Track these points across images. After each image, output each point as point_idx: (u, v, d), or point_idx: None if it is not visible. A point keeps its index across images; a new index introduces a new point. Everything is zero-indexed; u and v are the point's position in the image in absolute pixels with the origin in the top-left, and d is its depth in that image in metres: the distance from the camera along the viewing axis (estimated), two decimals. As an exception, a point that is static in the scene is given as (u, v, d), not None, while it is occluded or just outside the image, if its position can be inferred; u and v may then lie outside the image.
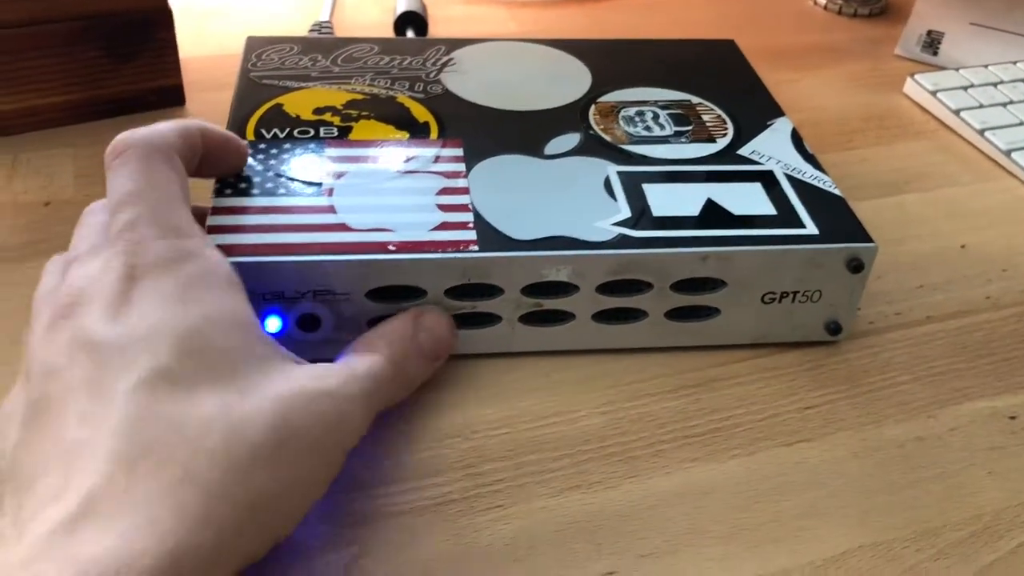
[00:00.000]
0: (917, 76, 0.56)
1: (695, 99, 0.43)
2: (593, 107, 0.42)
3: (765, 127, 0.42)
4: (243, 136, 0.38)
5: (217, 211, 0.34)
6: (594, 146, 0.39)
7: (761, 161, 0.39)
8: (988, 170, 0.50)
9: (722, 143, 0.40)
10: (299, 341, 0.34)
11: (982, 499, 0.32)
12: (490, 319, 0.35)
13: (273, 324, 0.34)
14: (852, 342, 0.38)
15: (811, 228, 0.36)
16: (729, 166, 0.39)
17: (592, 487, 0.32)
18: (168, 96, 0.49)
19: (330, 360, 0.33)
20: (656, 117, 0.42)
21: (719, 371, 0.36)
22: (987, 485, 0.33)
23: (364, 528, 0.30)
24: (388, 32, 0.57)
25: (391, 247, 0.33)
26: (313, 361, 0.29)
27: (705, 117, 0.42)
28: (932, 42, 0.61)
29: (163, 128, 0.31)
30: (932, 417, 0.35)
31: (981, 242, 0.45)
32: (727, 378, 0.36)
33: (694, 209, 0.36)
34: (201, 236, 0.29)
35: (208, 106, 0.50)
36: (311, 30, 0.54)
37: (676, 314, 0.36)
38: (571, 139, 0.40)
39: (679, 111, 0.42)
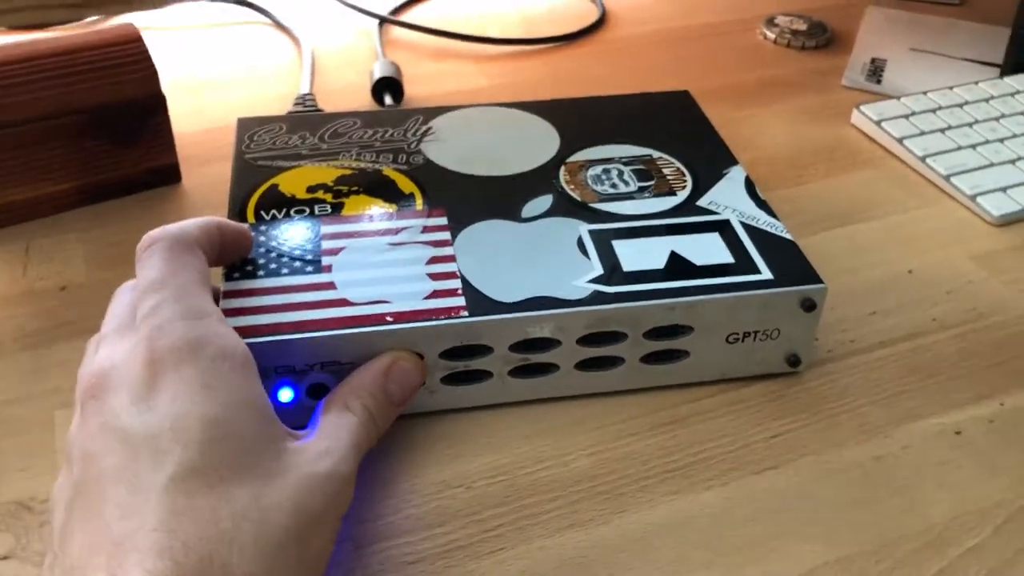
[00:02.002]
0: (862, 107, 0.60)
1: (656, 153, 0.47)
2: (563, 168, 0.46)
3: (720, 176, 0.46)
4: (245, 219, 0.41)
5: (229, 295, 0.37)
6: (566, 206, 0.43)
7: (718, 211, 0.43)
8: (931, 195, 0.54)
9: (682, 195, 0.44)
10: (308, 407, 0.37)
11: (933, 511, 0.36)
12: (482, 375, 0.38)
13: (285, 395, 0.37)
14: (812, 371, 0.42)
15: (766, 273, 0.39)
16: (689, 218, 0.43)
17: (585, 524, 0.35)
18: (166, 175, 0.52)
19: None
20: (621, 174, 0.45)
21: (692, 407, 0.40)
22: (938, 498, 0.37)
23: (382, 578, 0.33)
24: (366, 95, 0.61)
25: (389, 318, 0.37)
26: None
27: (666, 171, 0.46)
28: (876, 70, 0.66)
29: (186, 224, 0.35)
30: (888, 437, 0.39)
31: (927, 266, 0.49)
32: (700, 413, 0.40)
33: (660, 262, 0.40)
34: (219, 317, 0.33)
35: (204, 180, 0.53)
36: (296, 103, 0.58)
37: (650, 358, 0.39)
38: (545, 201, 0.43)
39: (641, 167, 0.46)
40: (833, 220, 0.52)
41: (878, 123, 0.59)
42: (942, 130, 0.58)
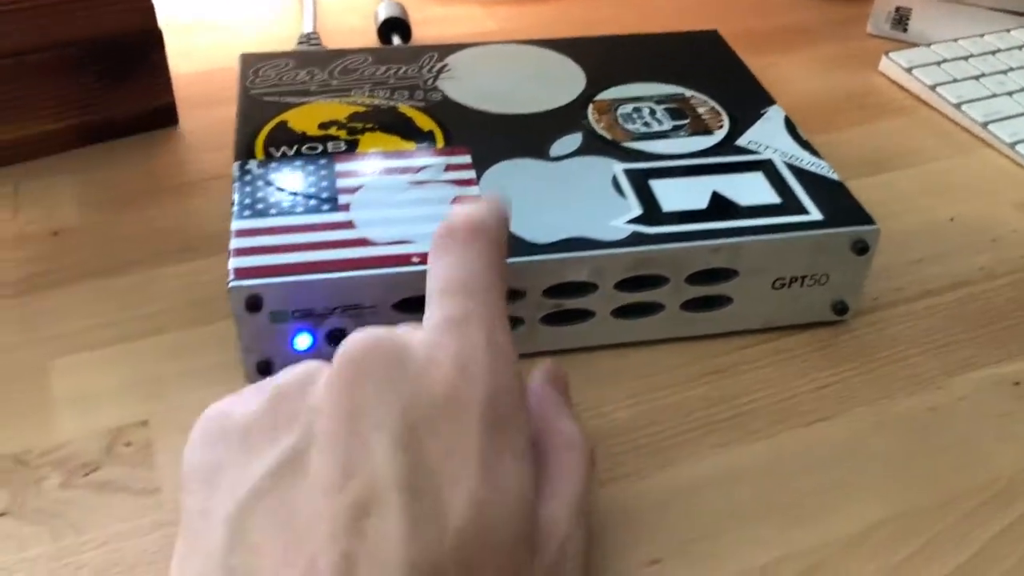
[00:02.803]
0: (892, 54, 0.57)
1: (688, 92, 0.44)
2: (591, 105, 0.43)
3: (759, 116, 0.43)
4: (253, 156, 0.38)
5: (240, 233, 0.34)
6: (597, 145, 0.40)
7: (759, 151, 0.40)
8: (967, 143, 0.52)
9: (719, 135, 0.41)
10: (327, 355, 0.35)
11: (995, 465, 0.34)
12: (513, 322, 0.36)
13: (303, 341, 0.34)
14: (858, 319, 0.40)
15: (815, 214, 0.37)
16: (729, 157, 0.40)
17: (628, 478, 0.33)
18: (162, 116, 0.49)
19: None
20: (653, 112, 0.43)
21: (735, 356, 0.38)
22: (998, 451, 0.34)
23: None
24: (372, 39, 0.58)
25: (414, 259, 0.34)
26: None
27: (700, 110, 0.43)
28: (901, 18, 0.63)
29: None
30: (941, 388, 0.37)
31: (968, 214, 0.46)
32: (744, 363, 0.37)
33: (702, 202, 0.37)
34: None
35: (202, 124, 0.50)
36: (300, 42, 0.54)
37: (691, 305, 0.37)
38: (574, 139, 0.41)
39: (675, 105, 0.43)
40: (867, 168, 0.49)
41: (909, 70, 0.56)
42: (976, 77, 0.55)
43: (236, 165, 0.38)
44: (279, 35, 0.58)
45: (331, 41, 0.57)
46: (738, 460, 0.34)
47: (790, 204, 0.37)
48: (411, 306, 0.34)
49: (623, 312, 0.37)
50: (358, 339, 0.25)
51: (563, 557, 0.24)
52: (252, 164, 0.38)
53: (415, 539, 0.21)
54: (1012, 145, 0.50)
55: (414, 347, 0.25)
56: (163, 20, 0.47)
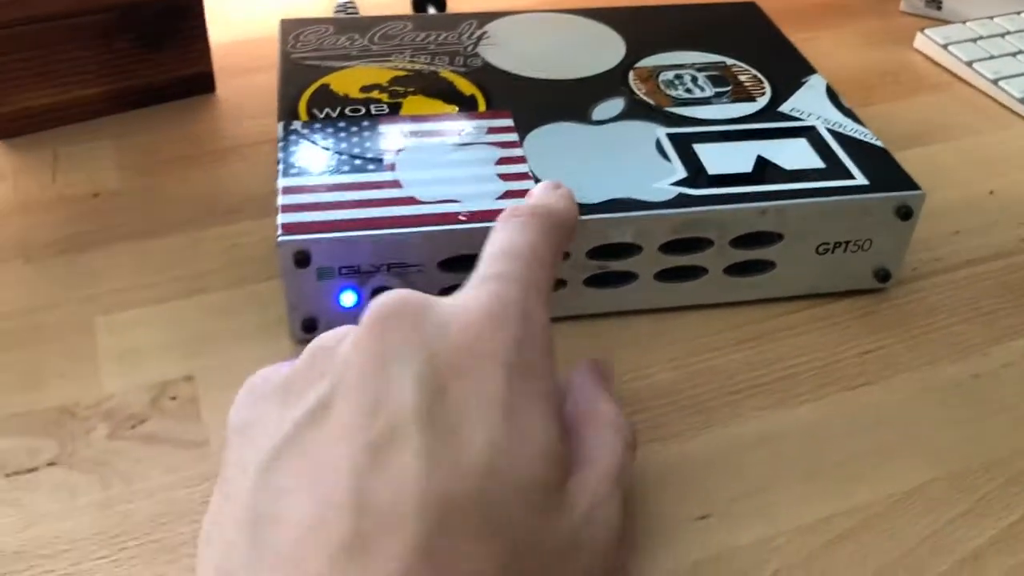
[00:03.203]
0: (927, 31, 0.57)
1: (729, 60, 0.44)
2: (632, 72, 0.43)
3: (800, 85, 0.43)
4: (297, 117, 0.39)
5: (288, 191, 0.34)
6: (639, 110, 0.40)
7: (802, 118, 0.40)
8: (1005, 118, 0.52)
9: (762, 102, 0.41)
10: (372, 314, 0.35)
11: (1042, 429, 0.34)
12: (556, 284, 0.36)
13: (348, 299, 0.34)
14: (899, 288, 0.39)
15: (860, 179, 0.37)
16: (772, 124, 0.40)
17: (674, 438, 0.33)
18: (199, 83, 0.49)
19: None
20: (695, 79, 0.43)
21: (777, 322, 0.38)
22: (1045, 416, 0.34)
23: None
24: (407, 9, 0.58)
25: (462, 217, 0.34)
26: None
27: (742, 78, 0.43)
28: (935, -3, 0.63)
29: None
30: (985, 355, 0.37)
31: (1008, 187, 0.46)
32: (786, 328, 0.37)
33: (746, 166, 0.37)
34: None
35: (239, 92, 0.50)
36: (337, 10, 0.54)
37: (734, 269, 0.37)
38: (616, 104, 0.41)
39: (716, 73, 0.43)
40: (905, 141, 0.49)
41: (944, 46, 0.56)
42: (1013, 54, 0.55)
43: (280, 125, 0.38)
44: (315, 4, 0.58)
45: (367, 10, 0.57)
46: (782, 422, 0.33)
47: (835, 169, 0.37)
48: (457, 265, 0.34)
49: (667, 275, 0.37)
50: (386, 296, 0.25)
51: (593, 521, 0.24)
52: (296, 124, 0.38)
53: (432, 473, 0.21)
54: (1051, 120, 0.50)
55: (443, 303, 0.25)
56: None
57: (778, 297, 0.38)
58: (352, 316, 0.35)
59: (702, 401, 0.34)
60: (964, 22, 0.58)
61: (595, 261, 0.35)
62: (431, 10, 0.56)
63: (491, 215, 0.34)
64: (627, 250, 0.35)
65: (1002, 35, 0.57)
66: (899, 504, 0.31)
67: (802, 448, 0.33)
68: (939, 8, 0.62)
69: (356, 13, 0.54)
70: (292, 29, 0.45)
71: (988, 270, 0.41)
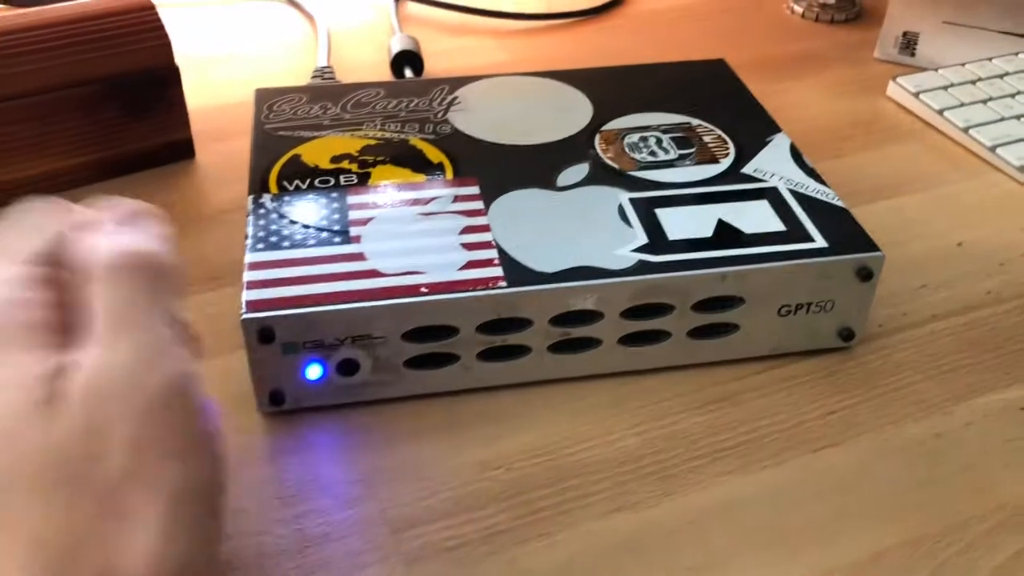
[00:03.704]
0: (899, 79, 0.58)
1: (694, 121, 0.45)
2: (598, 136, 0.44)
3: (764, 144, 0.43)
4: (267, 189, 0.39)
5: (253, 266, 0.35)
6: (603, 174, 0.41)
7: (765, 178, 0.41)
8: (975, 167, 0.52)
9: (725, 163, 0.42)
10: (338, 385, 0.35)
11: (1002, 491, 0.34)
12: (520, 351, 0.36)
13: (314, 372, 0.35)
14: (864, 346, 0.40)
15: (820, 241, 0.37)
16: (735, 186, 0.40)
17: (634, 507, 0.33)
18: (180, 150, 0.50)
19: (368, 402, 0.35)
20: (660, 142, 0.43)
21: (741, 384, 0.38)
22: (1006, 477, 0.34)
23: (418, 565, 0.31)
24: (385, 71, 0.59)
25: (423, 289, 0.34)
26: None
27: (706, 138, 0.44)
28: (908, 43, 0.63)
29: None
30: (948, 414, 0.37)
31: (976, 239, 0.46)
32: (750, 390, 0.38)
33: (707, 230, 0.38)
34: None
35: (219, 157, 0.51)
36: (314, 76, 0.55)
37: (697, 332, 0.37)
38: (581, 169, 0.41)
39: (681, 134, 0.44)
40: (875, 192, 0.50)
41: (916, 95, 0.56)
42: (983, 101, 0.56)
43: (250, 199, 0.39)
44: (294, 68, 0.59)
45: (345, 74, 0.58)
46: (745, 488, 0.34)
47: (795, 231, 0.38)
48: (422, 335, 0.35)
49: (630, 340, 0.37)
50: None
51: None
52: (266, 198, 0.39)
53: None
54: (1021, 168, 0.50)
55: None
56: (180, 56, 0.48)
57: (743, 358, 0.39)
58: (318, 389, 0.35)
59: (666, 468, 0.34)
60: (936, 69, 0.59)
61: (558, 328, 0.36)
62: (408, 73, 0.57)
63: (453, 286, 0.35)
64: (589, 316, 0.36)
65: (973, 82, 0.57)
66: (859, 572, 0.31)
67: (764, 514, 0.33)
68: (913, 55, 0.63)
69: (333, 77, 0.55)
70: (267, 99, 0.46)
71: (953, 325, 0.41)
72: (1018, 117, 0.54)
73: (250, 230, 0.37)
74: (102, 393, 0.23)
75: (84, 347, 0.24)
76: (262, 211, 0.38)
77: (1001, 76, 0.58)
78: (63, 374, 0.23)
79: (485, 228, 0.37)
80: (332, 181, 0.40)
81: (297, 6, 0.67)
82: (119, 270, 0.25)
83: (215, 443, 0.25)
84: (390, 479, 0.34)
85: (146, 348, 0.24)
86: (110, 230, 0.27)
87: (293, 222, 0.37)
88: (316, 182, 0.40)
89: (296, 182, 0.40)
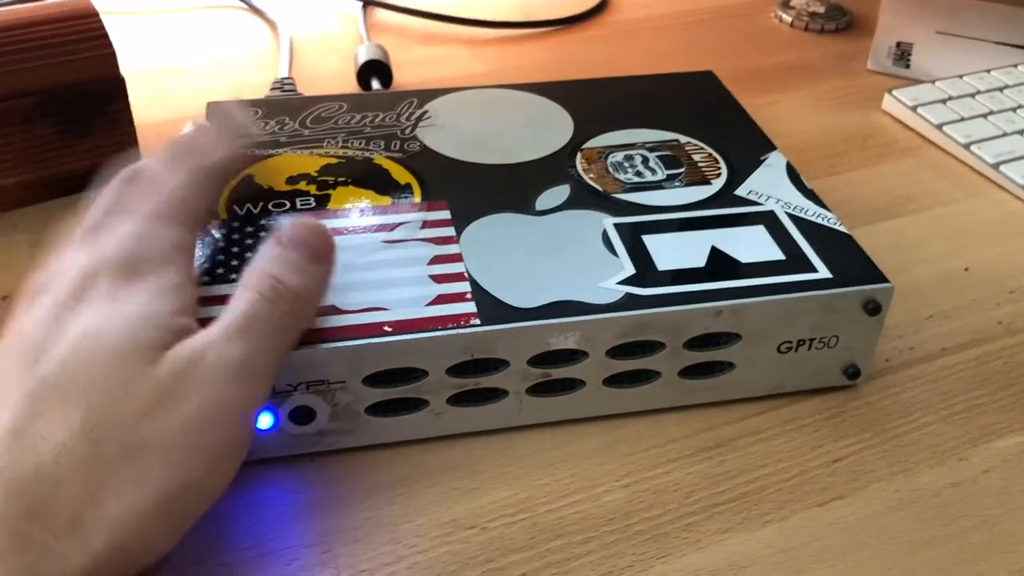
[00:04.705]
0: (895, 92, 0.55)
1: (683, 138, 0.42)
2: (579, 154, 0.40)
3: (759, 163, 0.40)
4: (216, 216, 0.36)
5: (199, 303, 0.31)
6: (586, 197, 0.38)
7: (760, 201, 0.38)
8: (978, 185, 0.49)
9: (717, 184, 0.39)
10: (292, 435, 0.32)
11: (1028, 547, 0.31)
12: (496, 394, 0.33)
13: (264, 421, 0.31)
14: (870, 383, 0.37)
15: (823, 272, 0.34)
16: (728, 209, 0.37)
17: (623, 572, 0.29)
18: (126, 168, 0.46)
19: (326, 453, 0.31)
20: (646, 161, 0.40)
21: (739, 427, 0.35)
22: (1030, 530, 0.31)
23: (385, 643, 0.27)
24: (351, 83, 0.55)
25: (387, 328, 0.31)
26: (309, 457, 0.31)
27: (696, 157, 0.40)
28: (903, 54, 0.61)
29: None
30: (963, 460, 0.34)
31: (984, 263, 0.43)
32: (748, 434, 0.34)
33: (699, 260, 0.34)
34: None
35: (169, 176, 0.47)
36: (273, 88, 0.52)
37: (690, 371, 0.34)
38: (561, 191, 0.38)
39: (668, 152, 0.41)
40: (874, 214, 0.47)
41: (913, 108, 0.54)
42: (984, 115, 0.53)
43: (196, 225, 0.35)
44: (253, 80, 0.56)
45: (307, 86, 0.54)
46: (745, 548, 0.30)
47: (795, 260, 0.34)
48: (385, 379, 0.31)
49: (616, 381, 0.34)
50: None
51: (192, 373, 0.26)
52: (214, 224, 0.35)
53: (35, 363, 0.25)
54: (1026, 187, 0.48)
55: None
56: (130, 67, 0.44)
57: (741, 399, 0.35)
58: (270, 439, 0.32)
59: (657, 525, 0.31)
60: (933, 81, 0.56)
61: (537, 369, 0.33)
62: (375, 84, 0.54)
63: (420, 324, 0.31)
64: (572, 356, 0.33)
65: (972, 95, 0.55)
66: (874, 646, 0.28)
67: (766, 579, 0.29)
68: (907, 66, 0.60)
69: (294, 89, 0.52)
70: (220, 113, 0.42)
71: (965, 359, 0.38)
72: (1021, 132, 0.51)
73: (195, 262, 0.33)
74: (199, 370, 0.26)
75: (208, 328, 0.27)
76: (209, 239, 0.34)
77: (1001, 89, 0.55)
78: (185, 334, 0.27)
79: (456, 258, 0.34)
80: (288, 204, 0.36)
81: (259, 13, 0.63)
82: (277, 292, 0.28)
83: (234, 467, 0.27)
84: (350, 542, 0.30)
85: (249, 365, 0.27)
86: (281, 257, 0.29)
87: (243, 252, 0.34)
88: (270, 206, 0.36)
89: (248, 206, 0.36)
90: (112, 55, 0.43)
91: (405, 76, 0.56)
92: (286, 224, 0.30)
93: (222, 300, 0.31)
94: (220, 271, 0.33)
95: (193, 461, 0.25)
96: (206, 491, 0.26)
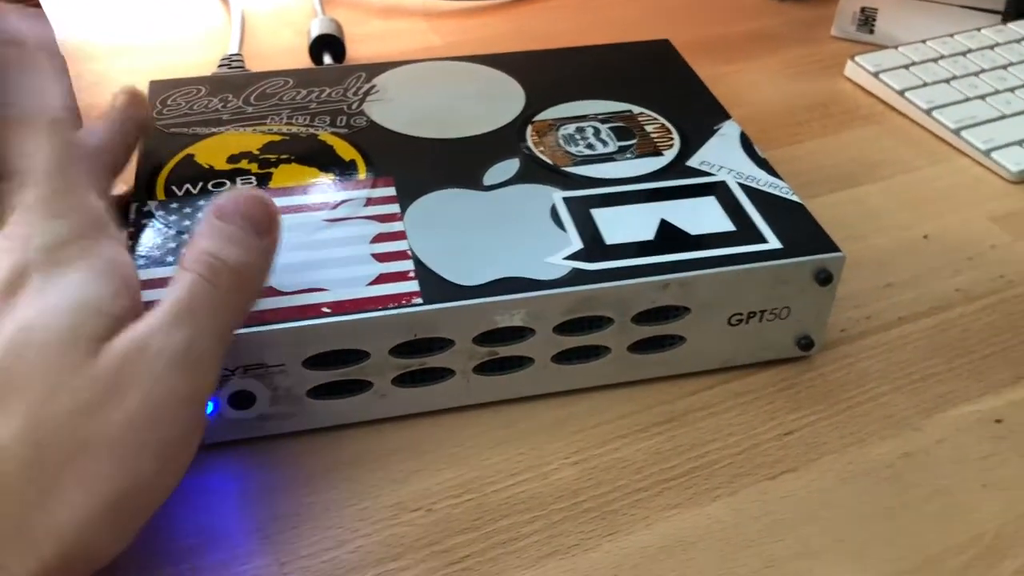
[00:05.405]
0: (858, 58, 0.54)
1: (636, 108, 0.41)
2: (530, 127, 0.39)
3: (712, 133, 0.39)
4: (153, 196, 0.35)
5: (128, 287, 0.30)
6: (535, 171, 0.37)
7: (712, 172, 0.37)
8: (940, 151, 0.49)
9: (669, 155, 0.38)
10: (232, 420, 0.31)
11: (980, 516, 0.30)
12: (442, 374, 0.32)
13: (203, 406, 0.30)
14: (825, 354, 0.36)
15: (773, 242, 0.33)
16: (679, 180, 0.36)
17: (570, 551, 0.29)
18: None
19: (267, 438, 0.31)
20: (597, 132, 0.39)
21: (690, 401, 0.34)
22: (983, 499, 0.31)
23: (325, 630, 0.27)
24: (304, 58, 0.54)
25: (326, 309, 0.30)
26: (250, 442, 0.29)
27: (648, 128, 0.40)
28: (867, 19, 0.60)
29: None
30: (917, 429, 0.33)
31: (943, 230, 0.43)
32: (699, 408, 0.34)
33: (648, 233, 0.34)
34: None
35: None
36: (220, 64, 0.51)
37: (639, 346, 0.33)
38: (510, 165, 0.37)
39: (621, 123, 0.40)
40: (835, 183, 0.46)
41: (876, 75, 0.53)
42: (947, 80, 0.52)
43: (133, 207, 0.34)
44: (203, 59, 0.54)
45: (258, 62, 0.53)
46: (695, 523, 0.30)
47: (745, 231, 0.34)
48: (326, 361, 0.31)
49: (565, 357, 0.33)
50: None
51: (135, 361, 0.25)
52: (151, 205, 0.34)
53: None
54: (987, 152, 0.47)
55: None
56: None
57: (692, 372, 0.35)
58: (209, 425, 0.31)
59: (606, 503, 0.31)
60: (896, 47, 0.55)
61: (484, 347, 0.32)
62: (327, 59, 0.52)
63: (360, 305, 0.30)
64: (519, 333, 0.32)
65: (935, 60, 0.54)
66: (821, 620, 0.27)
67: (716, 555, 0.29)
68: (871, 32, 0.59)
69: (241, 66, 0.50)
70: (161, 92, 0.41)
71: (921, 328, 0.38)
72: (983, 97, 0.51)
73: (130, 244, 0.32)
74: (142, 361, 0.24)
75: (148, 314, 0.26)
76: (145, 221, 0.34)
77: (964, 53, 0.54)
78: (129, 318, 0.25)
79: (400, 235, 0.33)
80: (227, 184, 0.35)
81: (213, -11, 0.62)
82: (215, 271, 0.27)
83: (187, 461, 0.26)
84: (291, 527, 0.29)
85: (194, 352, 0.25)
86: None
87: (180, 233, 0.33)
88: (210, 185, 0.35)
89: (187, 186, 0.35)
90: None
91: (360, 50, 0.55)
92: (223, 196, 0.28)
93: (163, 283, 0.30)
94: (158, 254, 0.32)
95: (142, 459, 0.24)
96: (158, 489, 0.25)
